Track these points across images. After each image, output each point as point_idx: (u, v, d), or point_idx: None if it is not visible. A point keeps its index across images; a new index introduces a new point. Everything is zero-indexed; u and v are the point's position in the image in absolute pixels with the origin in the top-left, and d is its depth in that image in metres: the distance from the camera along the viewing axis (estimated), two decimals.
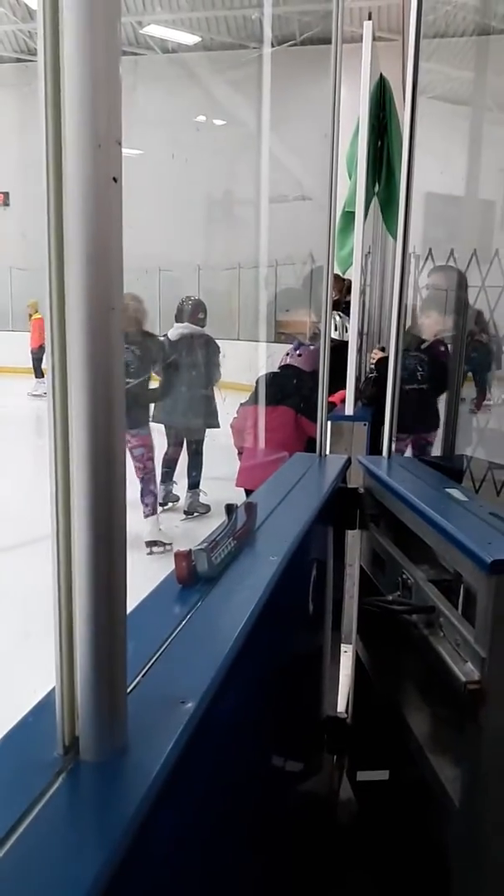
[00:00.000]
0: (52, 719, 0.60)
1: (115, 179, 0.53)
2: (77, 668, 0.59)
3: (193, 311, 5.50)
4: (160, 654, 0.79)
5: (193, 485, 5.59)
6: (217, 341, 5.62)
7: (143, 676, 0.74)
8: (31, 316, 13.36)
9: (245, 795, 1.00)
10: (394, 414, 1.91)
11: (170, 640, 0.83)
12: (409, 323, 3.94)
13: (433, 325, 3.57)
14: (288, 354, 3.86)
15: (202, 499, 5.58)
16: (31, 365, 13.24)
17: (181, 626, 0.87)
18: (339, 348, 3.05)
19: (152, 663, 0.77)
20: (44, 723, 0.62)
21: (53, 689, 0.61)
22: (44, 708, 0.64)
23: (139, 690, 0.71)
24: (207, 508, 5.52)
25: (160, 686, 0.72)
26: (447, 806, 1.29)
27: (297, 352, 3.81)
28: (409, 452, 3.42)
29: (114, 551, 0.58)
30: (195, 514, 5.51)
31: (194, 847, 0.74)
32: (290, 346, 3.93)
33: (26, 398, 12.61)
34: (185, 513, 5.52)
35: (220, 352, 5.55)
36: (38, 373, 13.10)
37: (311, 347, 3.88)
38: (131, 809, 0.55)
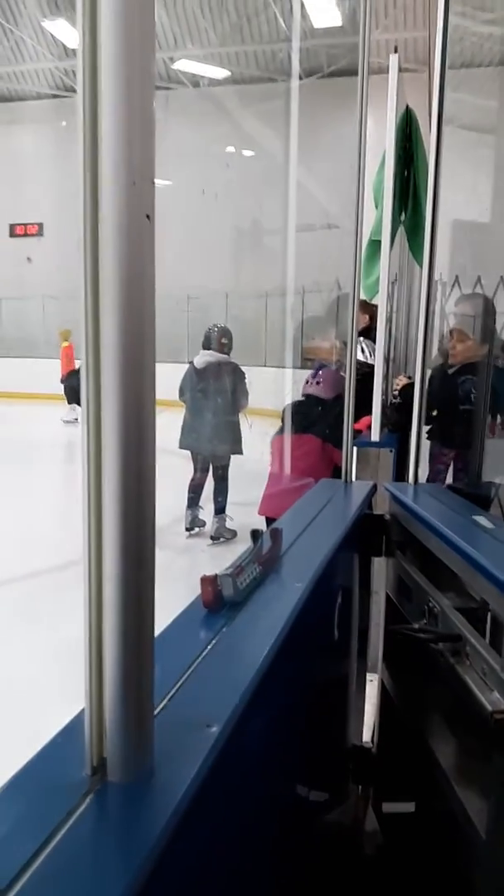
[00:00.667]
0: (81, 740, 0.61)
1: (148, 217, 0.55)
2: (106, 690, 0.60)
3: (218, 338, 5.56)
4: (186, 678, 0.80)
5: (219, 510, 5.61)
6: (244, 367, 5.67)
7: (169, 700, 0.74)
8: (61, 345, 13.59)
9: (268, 822, 1.00)
10: (420, 441, 1.92)
11: (195, 663, 0.83)
12: (435, 349, 3.95)
13: (463, 350, 3.58)
14: (308, 382, 3.86)
15: (228, 524, 5.59)
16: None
17: (207, 650, 0.87)
18: (364, 375, 3.05)
19: (178, 687, 0.77)
20: (72, 744, 0.63)
21: (82, 711, 0.62)
22: (73, 729, 0.65)
23: (165, 713, 0.72)
24: (234, 534, 5.53)
25: (186, 709, 0.73)
26: (474, 838, 1.27)
27: (316, 380, 3.80)
28: (451, 469, 3.44)
29: (143, 575, 0.60)
30: (221, 539, 5.52)
31: (218, 872, 0.74)
32: (310, 373, 3.93)
33: (59, 424, 12.80)
34: (212, 538, 5.53)
35: (245, 378, 5.60)
36: (69, 399, 13.29)
37: (332, 369, 3.88)
38: (157, 832, 0.56)
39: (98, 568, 0.59)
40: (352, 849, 1.97)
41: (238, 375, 5.54)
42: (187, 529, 5.58)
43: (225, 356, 5.51)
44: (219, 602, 1.01)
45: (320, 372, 3.86)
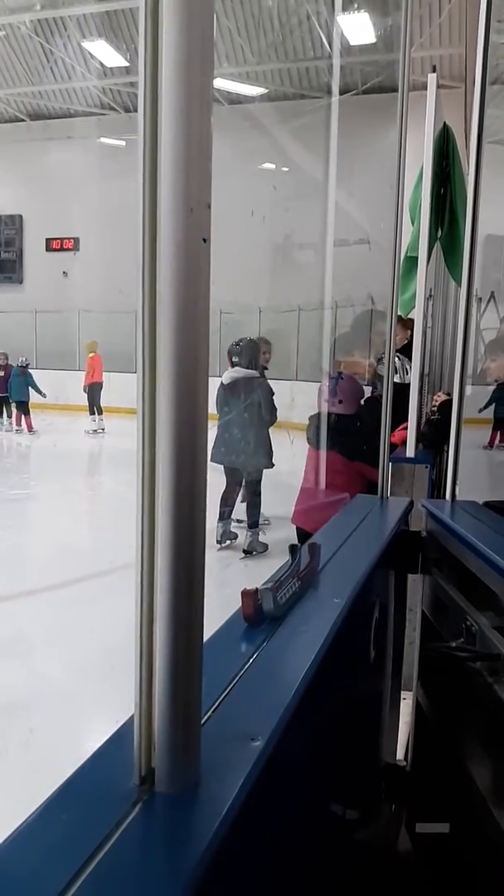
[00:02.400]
0: (129, 749, 0.62)
1: (204, 240, 0.57)
2: (155, 701, 0.61)
3: (241, 353, 5.57)
4: (229, 691, 0.80)
5: (252, 524, 5.63)
6: (275, 381, 5.69)
7: (213, 712, 0.75)
8: (87, 355, 13.78)
9: (306, 837, 1.00)
10: (458, 457, 1.91)
11: (238, 677, 0.84)
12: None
13: (500, 367, 3.57)
14: (329, 401, 3.69)
15: (261, 538, 5.61)
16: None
17: (249, 663, 0.88)
18: (397, 391, 3.02)
19: (222, 699, 0.78)
20: (120, 753, 0.64)
21: (130, 719, 0.63)
22: (120, 738, 0.66)
23: (210, 726, 0.72)
24: (265, 547, 5.54)
25: (230, 722, 0.74)
26: None
27: (338, 398, 3.69)
28: None
29: (194, 587, 0.61)
30: (254, 552, 5.53)
31: (260, 884, 0.74)
32: (327, 385, 3.75)
33: (83, 435, 12.99)
34: (245, 551, 5.54)
35: (273, 394, 5.61)
36: (90, 409, 13.51)
37: (350, 379, 3.81)
38: (205, 843, 0.57)
39: (150, 579, 0.60)
40: (384, 868, 1.95)
41: (265, 390, 5.56)
42: (218, 542, 5.61)
43: (252, 371, 5.52)
44: (259, 616, 1.01)
45: (339, 386, 3.75)
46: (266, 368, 5.84)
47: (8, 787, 2.47)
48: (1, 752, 2.84)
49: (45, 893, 0.51)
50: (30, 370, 13.85)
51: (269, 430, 5.58)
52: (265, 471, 5.60)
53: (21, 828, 0.57)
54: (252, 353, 5.61)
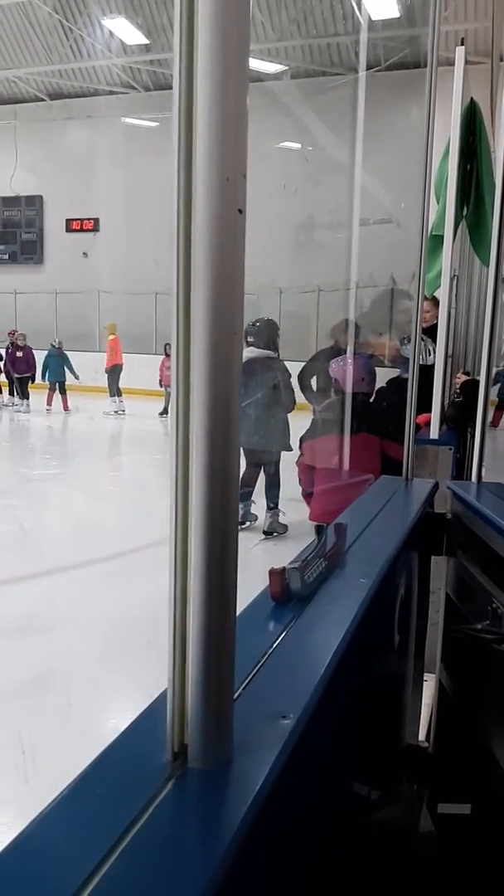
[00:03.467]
0: (162, 725, 0.62)
1: (240, 211, 0.56)
2: (189, 677, 0.61)
3: (258, 334, 5.53)
4: (259, 669, 0.80)
5: (272, 506, 5.63)
6: (295, 363, 5.64)
7: (244, 689, 0.75)
8: (107, 338, 13.82)
9: (332, 815, 1.00)
10: (484, 438, 1.89)
11: (267, 655, 0.84)
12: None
13: None
14: (363, 380, 3.70)
15: (281, 519, 5.61)
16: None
17: (277, 642, 0.88)
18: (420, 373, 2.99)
19: (252, 677, 0.78)
20: (154, 727, 0.64)
21: (162, 694, 0.63)
22: (153, 713, 0.66)
23: (241, 703, 0.72)
24: (285, 529, 5.55)
25: (261, 699, 0.74)
26: None
27: (368, 378, 3.65)
28: None
29: (227, 563, 0.60)
30: (274, 533, 5.54)
31: (291, 859, 0.74)
32: (347, 365, 3.69)
33: (103, 416, 13.07)
34: (265, 532, 5.56)
35: (290, 375, 5.57)
36: (111, 391, 13.59)
37: (366, 358, 3.76)
38: (238, 819, 0.57)
39: (184, 557, 0.60)
40: (406, 848, 1.96)
41: (283, 372, 5.52)
42: (239, 524, 5.62)
43: (269, 352, 5.49)
44: (286, 595, 1.01)
45: (368, 367, 3.70)
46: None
47: (31, 768, 2.51)
48: (23, 728, 2.88)
49: (80, 868, 0.51)
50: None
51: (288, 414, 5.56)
52: (284, 454, 5.59)
53: (55, 802, 0.58)
54: (270, 333, 5.58)
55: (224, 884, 0.52)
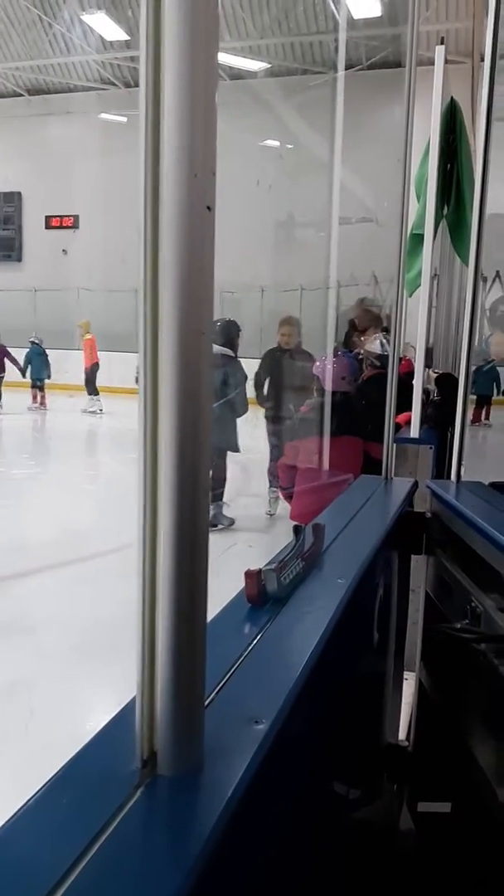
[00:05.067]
0: (131, 732, 0.61)
1: (209, 208, 0.55)
2: (158, 683, 0.60)
3: (220, 333, 5.54)
4: (233, 673, 0.79)
5: (214, 497, 5.66)
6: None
7: (216, 693, 0.74)
8: (82, 336, 13.76)
9: (310, 818, 0.99)
10: (463, 436, 1.89)
11: (242, 658, 0.83)
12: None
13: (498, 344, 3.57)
14: (344, 378, 3.67)
15: (225, 511, 5.66)
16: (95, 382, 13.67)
17: (252, 645, 0.87)
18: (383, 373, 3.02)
19: (225, 681, 0.77)
20: (122, 735, 0.63)
21: (131, 701, 0.62)
22: (122, 720, 0.65)
23: (213, 707, 0.71)
24: (232, 522, 5.64)
25: (234, 704, 0.73)
26: None
27: (353, 377, 3.63)
28: None
29: (196, 567, 0.59)
30: (219, 525, 5.61)
31: (264, 865, 0.73)
32: (329, 363, 3.66)
33: (80, 415, 13.01)
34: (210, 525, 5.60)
35: (247, 378, 5.61)
36: (89, 390, 13.55)
37: (349, 358, 3.76)
38: (209, 826, 0.56)
39: (153, 560, 0.59)
40: (386, 847, 1.96)
41: (235, 371, 5.53)
42: (211, 525, 5.66)
43: (223, 349, 5.49)
44: (263, 597, 1.00)
45: (350, 365, 3.69)
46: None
47: (7, 769, 2.48)
48: (1, 733, 2.86)
49: (46, 878, 0.50)
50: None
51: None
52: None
53: (22, 811, 0.56)
54: (229, 333, 5.62)
55: (193, 891, 0.51)
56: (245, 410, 5.58)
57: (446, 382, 3.57)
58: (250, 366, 5.96)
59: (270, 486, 5.92)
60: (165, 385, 0.56)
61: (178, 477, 0.57)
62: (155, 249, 0.55)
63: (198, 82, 0.54)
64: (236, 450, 5.58)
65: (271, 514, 5.96)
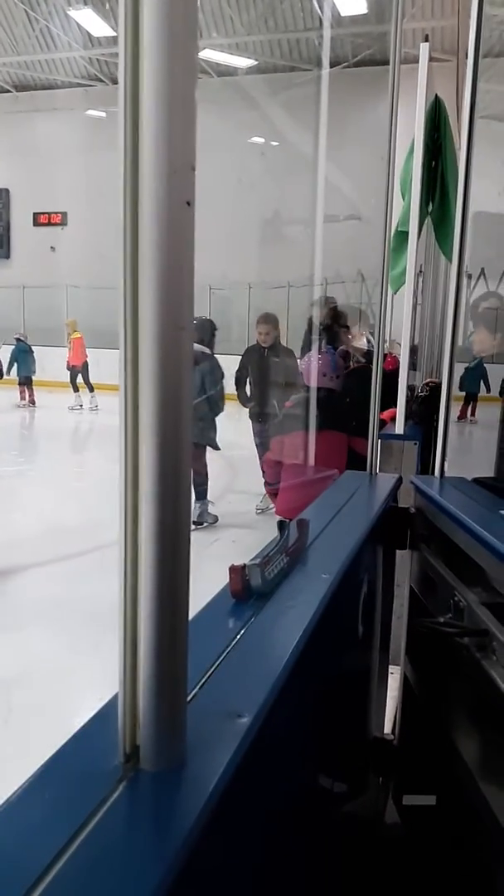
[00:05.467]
0: (114, 727, 0.62)
1: (188, 203, 0.55)
2: (140, 678, 0.60)
3: (196, 330, 5.53)
4: (216, 668, 0.80)
5: (199, 496, 5.68)
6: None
7: (199, 689, 0.75)
8: (69, 335, 13.73)
9: (294, 811, 1.00)
10: (447, 432, 1.90)
11: (225, 653, 0.83)
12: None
13: (480, 342, 3.60)
14: (325, 374, 3.64)
15: (210, 509, 5.67)
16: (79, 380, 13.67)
17: (236, 640, 0.87)
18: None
19: (209, 676, 0.78)
20: (105, 730, 0.63)
21: (114, 697, 0.62)
22: (105, 716, 0.65)
23: (196, 702, 0.72)
24: (216, 519, 5.66)
25: (217, 699, 0.73)
26: (496, 834, 1.26)
27: (336, 373, 3.63)
28: None
29: (178, 563, 0.60)
30: (204, 524, 5.64)
31: (248, 860, 0.74)
32: (315, 360, 3.62)
33: (67, 412, 13.01)
34: (195, 523, 5.62)
35: (223, 376, 5.63)
36: (75, 387, 13.56)
37: (336, 355, 3.76)
38: (191, 820, 0.56)
39: (134, 555, 0.59)
40: (371, 840, 1.97)
41: (212, 369, 5.57)
42: (195, 523, 5.69)
43: (200, 346, 5.51)
44: (247, 592, 1.01)
45: (332, 362, 3.68)
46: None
47: None
48: None
49: (29, 872, 0.50)
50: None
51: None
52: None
53: (4, 806, 0.56)
54: (205, 330, 5.68)
55: (175, 885, 0.52)
56: (222, 408, 5.58)
57: (435, 385, 3.58)
58: (236, 363, 6.00)
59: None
60: (146, 381, 0.56)
61: (159, 472, 0.57)
62: (135, 245, 0.55)
63: (176, 78, 0.54)
64: (215, 446, 5.59)
65: (261, 511, 5.97)
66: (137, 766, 0.61)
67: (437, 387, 2.06)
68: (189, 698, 0.71)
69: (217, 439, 5.62)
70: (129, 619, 0.60)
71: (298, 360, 3.94)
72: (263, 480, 3.93)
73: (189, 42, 0.55)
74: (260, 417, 5.87)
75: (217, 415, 5.59)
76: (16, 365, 13.62)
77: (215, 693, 0.74)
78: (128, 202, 0.55)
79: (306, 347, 5.77)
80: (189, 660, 0.63)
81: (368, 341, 3.70)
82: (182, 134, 0.55)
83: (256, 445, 5.95)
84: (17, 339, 13.86)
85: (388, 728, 2.21)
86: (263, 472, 3.90)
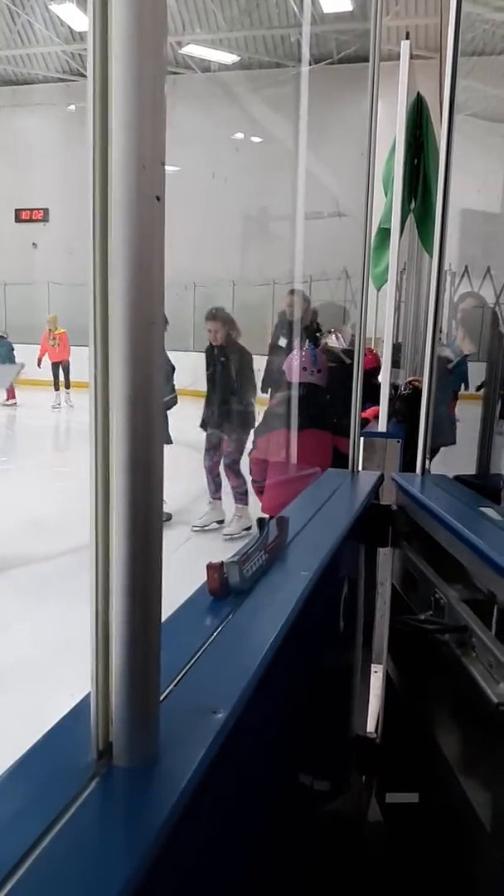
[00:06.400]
0: (87, 724, 0.61)
1: (158, 198, 0.55)
2: (112, 675, 0.60)
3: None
4: (192, 664, 0.79)
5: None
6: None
7: (175, 685, 0.74)
8: (51, 331, 13.65)
9: (273, 809, 1.00)
10: (428, 431, 1.91)
11: (201, 650, 0.83)
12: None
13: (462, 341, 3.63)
14: (305, 369, 3.65)
15: (166, 507, 5.65)
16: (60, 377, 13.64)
17: (213, 637, 0.87)
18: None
19: (184, 673, 0.77)
20: (78, 727, 0.63)
21: (88, 695, 0.62)
22: (79, 713, 0.65)
23: (171, 699, 0.72)
24: (169, 517, 5.45)
25: (192, 695, 0.73)
26: (478, 830, 1.27)
27: (317, 367, 3.61)
28: None
29: (150, 560, 0.59)
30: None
31: (222, 857, 0.74)
32: (299, 356, 3.60)
33: (49, 410, 12.96)
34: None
35: (170, 368, 5.39)
36: (56, 385, 13.52)
37: (320, 352, 3.76)
38: (163, 816, 0.56)
39: (105, 553, 0.59)
40: (354, 838, 1.98)
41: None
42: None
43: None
44: (224, 589, 1.00)
45: (318, 357, 3.68)
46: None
47: None
48: None
49: (0, 866, 0.50)
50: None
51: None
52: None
53: None
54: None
55: (147, 880, 0.52)
56: (173, 403, 5.44)
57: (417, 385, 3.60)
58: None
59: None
60: (116, 376, 0.56)
61: (130, 468, 0.57)
62: (104, 240, 0.55)
63: (146, 73, 0.54)
64: (167, 440, 5.49)
65: (198, 529, 5.66)
66: (110, 762, 0.61)
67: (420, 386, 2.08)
68: (164, 695, 0.71)
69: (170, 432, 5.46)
70: (101, 615, 0.60)
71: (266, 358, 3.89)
72: (251, 479, 3.90)
73: (158, 37, 0.54)
74: (213, 415, 5.53)
75: (168, 409, 5.43)
76: None
77: (191, 689, 0.74)
78: (97, 197, 0.55)
79: (278, 342, 5.75)
80: (164, 657, 0.63)
81: (337, 338, 3.70)
82: (152, 129, 0.54)
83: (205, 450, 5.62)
84: (0, 337, 13.79)
85: (371, 726, 2.22)
86: (251, 469, 3.87)
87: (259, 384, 5.77)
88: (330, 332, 3.72)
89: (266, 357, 6.14)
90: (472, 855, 1.38)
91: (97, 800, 0.58)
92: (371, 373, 3.35)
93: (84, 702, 0.65)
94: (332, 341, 3.62)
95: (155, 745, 0.62)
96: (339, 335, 3.72)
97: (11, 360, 13.60)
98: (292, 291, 5.69)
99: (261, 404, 5.50)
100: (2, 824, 0.55)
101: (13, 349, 13.79)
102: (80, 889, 0.50)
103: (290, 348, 4.98)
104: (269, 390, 5.58)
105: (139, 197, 0.54)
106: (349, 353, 3.63)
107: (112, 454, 0.57)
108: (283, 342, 5.69)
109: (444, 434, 3.33)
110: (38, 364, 13.65)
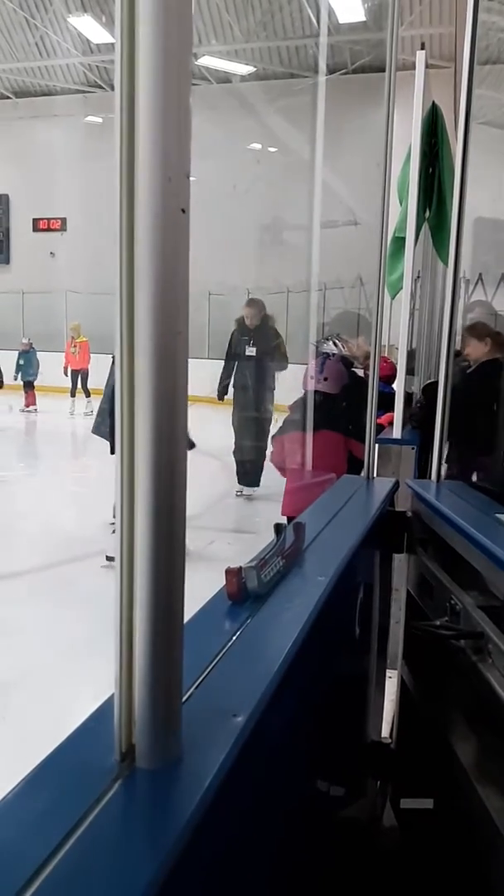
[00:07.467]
0: (110, 726, 0.62)
1: (183, 210, 0.56)
2: (136, 678, 0.61)
3: None
4: (212, 668, 0.80)
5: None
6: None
7: (195, 688, 0.75)
8: (73, 338, 13.76)
9: (290, 812, 1.00)
10: (443, 438, 1.91)
11: (221, 654, 0.84)
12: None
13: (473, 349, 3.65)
14: (314, 378, 3.66)
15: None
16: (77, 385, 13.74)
17: (232, 641, 0.88)
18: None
19: (204, 676, 0.78)
20: (102, 729, 0.64)
21: (111, 697, 0.63)
22: (102, 715, 0.66)
23: (192, 702, 0.73)
24: None
25: (212, 698, 0.74)
26: (494, 838, 1.27)
27: (324, 375, 3.65)
28: None
29: (174, 564, 0.61)
30: None
31: (242, 859, 0.75)
32: (314, 365, 3.71)
33: (68, 416, 13.06)
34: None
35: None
36: (74, 392, 13.62)
37: (335, 360, 3.78)
38: (185, 817, 0.57)
39: (130, 557, 0.60)
40: (369, 843, 1.97)
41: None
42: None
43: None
44: (243, 594, 1.01)
45: (326, 365, 3.71)
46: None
47: None
48: None
49: (25, 868, 0.51)
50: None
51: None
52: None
53: (1, 803, 0.57)
54: None
55: (169, 882, 0.52)
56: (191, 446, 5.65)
57: (432, 388, 3.61)
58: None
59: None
60: (142, 384, 0.57)
61: (154, 475, 0.58)
62: (131, 252, 0.56)
63: (171, 86, 0.55)
64: (191, 445, 5.63)
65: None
66: (133, 763, 0.62)
67: (433, 392, 2.08)
68: (185, 697, 0.72)
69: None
70: (125, 618, 0.61)
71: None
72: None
73: (184, 51, 0.56)
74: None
75: None
76: (20, 371, 13.67)
77: (211, 692, 0.75)
78: (124, 209, 0.56)
79: (232, 350, 6.58)
80: (185, 660, 0.64)
81: (335, 345, 3.70)
82: (177, 142, 0.56)
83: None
84: (29, 345, 13.95)
85: (385, 732, 2.21)
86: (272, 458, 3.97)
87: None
88: (327, 340, 3.71)
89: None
90: (487, 861, 1.37)
91: (121, 801, 0.58)
92: (383, 381, 3.37)
93: (106, 704, 0.66)
94: (329, 348, 3.63)
95: (177, 748, 0.63)
96: (339, 342, 3.72)
97: (35, 368, 13.75)
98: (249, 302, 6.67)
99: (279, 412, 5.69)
100: (27, 825, 0.56)
101: (36, 356, 13.91)
102: (104, 890, 0.51)
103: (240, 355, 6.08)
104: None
105: (165, 209, 0.55)
106: (348, 361, 3.66)
107: (137, 462, 0.58)
108: (240, 349, 6.60)
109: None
110: (65, 372, 13.78)
